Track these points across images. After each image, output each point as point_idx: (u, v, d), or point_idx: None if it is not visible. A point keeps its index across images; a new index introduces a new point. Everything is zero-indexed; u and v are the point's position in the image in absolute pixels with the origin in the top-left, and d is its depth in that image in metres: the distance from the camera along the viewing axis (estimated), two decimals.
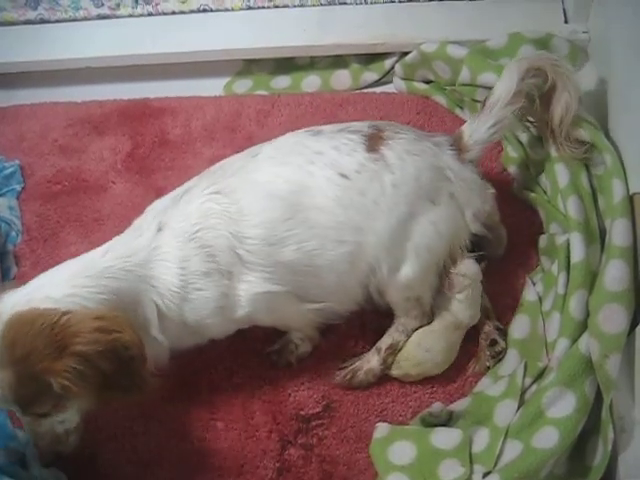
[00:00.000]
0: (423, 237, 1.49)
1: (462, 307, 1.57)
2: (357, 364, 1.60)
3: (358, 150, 1.48)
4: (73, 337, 1.24)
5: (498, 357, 1.61)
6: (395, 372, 1.59)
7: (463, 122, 1.91)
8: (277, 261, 1.43)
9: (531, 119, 1.72)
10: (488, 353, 1.60)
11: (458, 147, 1.56)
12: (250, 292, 1.43)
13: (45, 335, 1.24)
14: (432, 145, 1.54)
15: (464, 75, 1.90)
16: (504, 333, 1.63)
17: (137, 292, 1.37)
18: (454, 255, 1.55)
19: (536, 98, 1.61)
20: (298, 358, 1.63)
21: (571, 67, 1.65)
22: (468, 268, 1.57)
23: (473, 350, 1.63)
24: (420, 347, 1.57)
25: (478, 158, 1.59)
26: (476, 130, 1.57)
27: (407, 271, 1.49)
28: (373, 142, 1.49)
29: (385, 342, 1.60)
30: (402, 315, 1.59)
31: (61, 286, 1.32)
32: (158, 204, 1.51)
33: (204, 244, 1.40)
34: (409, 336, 1.59)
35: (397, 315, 1.60)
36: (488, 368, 1.60)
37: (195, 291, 1.40)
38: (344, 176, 1.45)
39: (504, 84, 1.57)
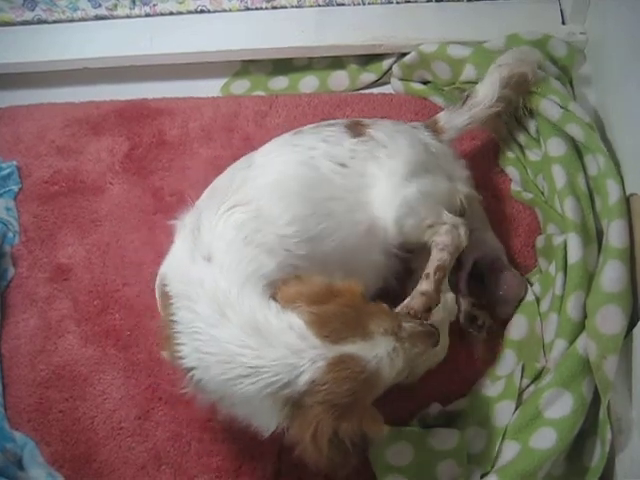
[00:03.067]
0: (423, 186, 1.53)
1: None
2: (406, 301, 1.51)
3: (344, 139, 1.53)
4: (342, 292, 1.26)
5: (484, 329, 1.62)
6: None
7: None
8: (322, 253, 1.43)
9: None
10: (471, 330, 1.63)
11: (433, 130, 1.66)
12: None
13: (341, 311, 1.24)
14: (410, 127, 1.64)
15: (468, 73, 1.90)
16: (480, 306, 1.65)
17: None
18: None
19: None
20: None
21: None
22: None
23: (469, 352, 1.64)
24: None
25: (452, 140, 1.69)
26: (452, 120, 1.69)
27: (407, 192, 1.50)
28: (356, 129, 1.55)
29: (431, 266, 1.52)
30: (432, 236, 1.55)
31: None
32: (178, 254, 1.39)
33: (259, 243, 1.36)
34: (452, 254, 1.54)
35: (429, 241, 1.56)
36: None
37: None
38: (343, 165, 1.49)
39: (487, 89, 1.69)
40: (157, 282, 1.45)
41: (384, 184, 1.50)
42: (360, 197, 1.48)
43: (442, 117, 1.70)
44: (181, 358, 1.29)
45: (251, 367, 1.21)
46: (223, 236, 1.36)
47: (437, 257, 1.55)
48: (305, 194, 1.44)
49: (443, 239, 1.56)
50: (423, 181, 1.53)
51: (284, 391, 1.20)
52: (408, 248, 1.56)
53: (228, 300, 1.27)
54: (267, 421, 1.25)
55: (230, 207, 1.40)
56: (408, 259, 1.58)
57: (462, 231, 1.56)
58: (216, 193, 1.47)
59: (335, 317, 1.21)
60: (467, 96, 1.69)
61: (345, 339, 1.20)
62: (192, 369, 1.29)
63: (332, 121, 1.61)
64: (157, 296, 1.44)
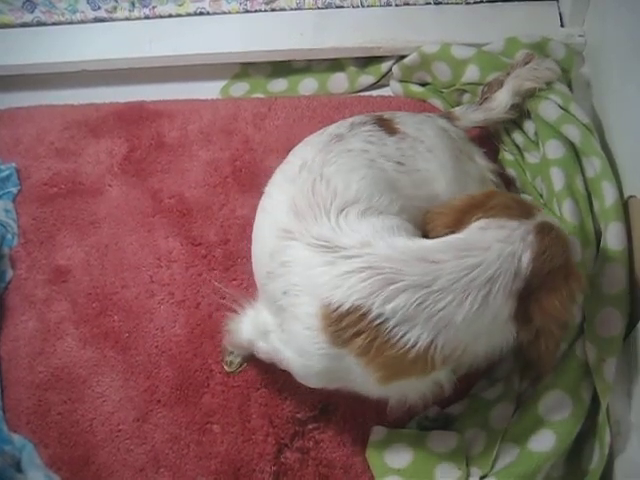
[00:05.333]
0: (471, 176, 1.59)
1: None
2: None
3: (384, 137, 1.52)
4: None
5: None
6: None
7: None
8: None
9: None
10: None
11: (448, 117, 1.72)
12: None
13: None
14: (426, 117, 1.68)
15: (471, 74, 1.89)
16: None
17: None
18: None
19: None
20: None
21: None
22: None
23: None
24: None
25: (465, 128, 1.75)
26: (467, 114, 1.76)
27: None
28: (386, 125, 1.55)
29: None
30: None
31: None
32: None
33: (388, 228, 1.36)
34: None
35: None
36: None
37: None
38: (400, 163, 1.49)
39: (503, 97, 1.76)
40: (315, 324, 1.26)
41: (443, 178, 1.51)
42: (428, 191, 1.50)
43: (458, 109, 1.77)
44: (413, 345, 1.22)
45: (486, 281, 1.22)
46: (359, 230, 1.32)
47: None
48: (397, 192, 1.44)
49: None
50: (469, 178, 1.58)
51: (515, 284, 1.23)
52: None
53: (425, 248, 1.26)
54: (507, 332, 1.27)
55: (340, 211, 1.35)
56: None
57: None
58: (304, 210, 1.36)
59: (508, 204, 1.28)
60: (485, 98, 1.78)
61: (531, 213, 1.28)
62: (431, 343, 1.22)
63: (359, 119, 1.57)
64: (323, 336, 1.26)
